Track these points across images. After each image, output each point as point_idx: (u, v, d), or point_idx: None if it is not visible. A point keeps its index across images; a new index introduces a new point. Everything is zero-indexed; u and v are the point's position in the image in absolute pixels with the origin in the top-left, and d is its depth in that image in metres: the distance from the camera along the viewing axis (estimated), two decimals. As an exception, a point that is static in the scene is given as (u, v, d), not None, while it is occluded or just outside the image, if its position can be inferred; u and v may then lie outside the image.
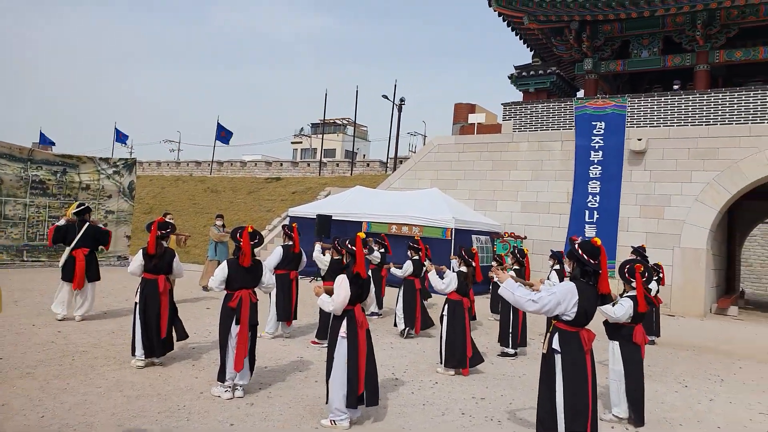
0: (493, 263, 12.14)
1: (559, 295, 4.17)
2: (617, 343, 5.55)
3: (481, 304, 12.49)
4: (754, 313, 16.48)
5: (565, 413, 4.10)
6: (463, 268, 7.13)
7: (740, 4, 14.92)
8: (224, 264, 5.70)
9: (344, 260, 5.36)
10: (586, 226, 15.74)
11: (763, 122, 14.45)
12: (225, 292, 5.70)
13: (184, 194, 28.20)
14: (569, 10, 16.29)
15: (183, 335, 6.74)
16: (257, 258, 5.92)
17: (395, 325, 9.31)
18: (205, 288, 12.83)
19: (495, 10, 17.57)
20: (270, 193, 26.12)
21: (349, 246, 5.19)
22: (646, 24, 16.80)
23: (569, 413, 4.09)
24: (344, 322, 4.94)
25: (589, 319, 4.23)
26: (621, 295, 5.73)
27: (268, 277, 6.00)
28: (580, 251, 4.28)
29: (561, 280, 8.56)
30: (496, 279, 8.28)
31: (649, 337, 9.55)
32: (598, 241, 4.30)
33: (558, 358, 4.22)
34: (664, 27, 16.67)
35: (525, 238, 16.58)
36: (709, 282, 15.20)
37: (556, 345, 4.23)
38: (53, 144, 32.38)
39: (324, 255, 8.97)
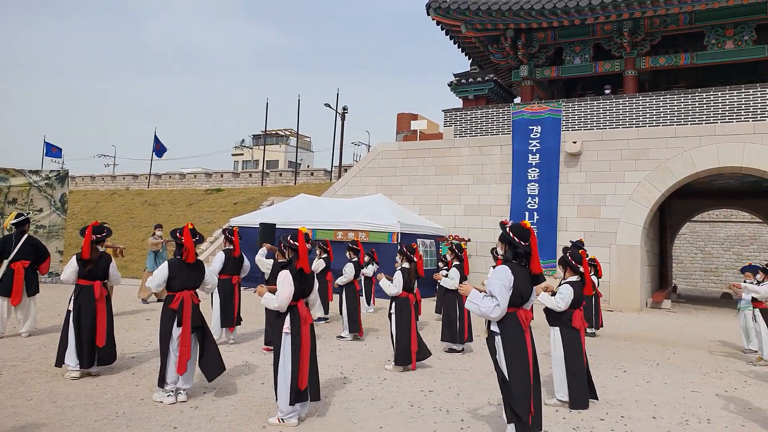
0: (440, 264, 12.28)
1: (503, 281, 4.23)
2: (557, 328, 5.70)
3: (428, 305, 12.60)
4: (686, 306, 17.30)
5: (513, 392, 4.16)
6: (406, 264, 7.19)
7: (662, 13, 15.77)
8: (164, 264, 5.54)
9: (287, 257, 5.26)
10: (527, 227, 16.11)
11: (687, 124, 15.26)
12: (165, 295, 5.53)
13: (120, 208, 27.24)
14: (504, 19, 16.77)
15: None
16: (198, 258, 5.77)
17: (344, 330, 9.22)
18: (144, 300, 12.45)
19: (433, 19, 17.91)
20: (210, 204, 25.56)
21: (291, 241, 5.11)
22: (578, 32, 17.51)
23: (515, 391, 4.15)
24: (287, 318, 4.86)
25: (525, 299, 4.32)
26: (560, 284, 5.89)
27: (211, 277, 5.88)
28: (511, 234, 4.38)
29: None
30: (446, 284, 8.39)
31: (590, 329, 9.92)
32: (528, 224, 4.44)
33: (498, 339, 4.29)
34: (594, 35, 17.41)
35: (468, 240, 16.84)
36: (644, 277, 15.86)
37: (494, 327, 4.31)
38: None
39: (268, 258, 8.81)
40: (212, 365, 5.53)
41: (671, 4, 15.06)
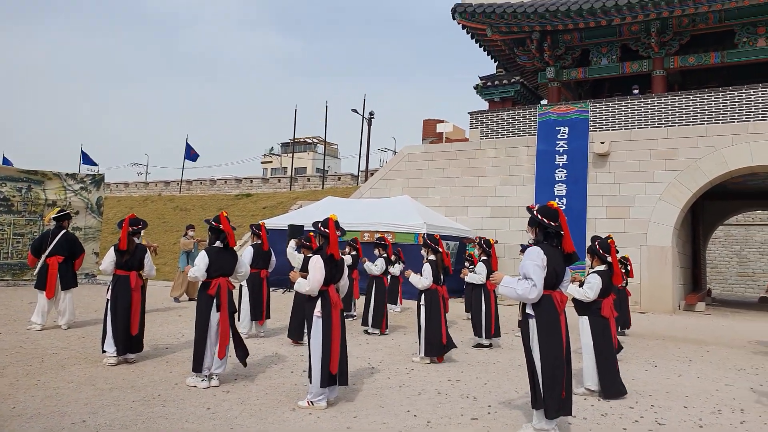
0: (466, 263, 12.26)
1: (536, 261, 4.19)
2: (586, 317, 5.68)
3: (455, 306, 12.59)
4: (722, 309, 16.89)
5: (543, 375, 4.13)
6: (432, 257, 7.22)
7: (690, 12, 15.57)
8: (203, 252, 5.69)
9: (317, 243, 5.37)
10: (555, 228, 15.99)
11: (718, 123, 15.00)
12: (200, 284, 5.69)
13: (152, 213, 27.78)
14: (530, 21, 16.77)
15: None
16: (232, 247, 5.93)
17: (366, 324, 9.30)
18: (176, 299, 12.71)
19: (459, 23, 17.99)
20: (240, 209, 25.93)
21: (322, 228, 5.20)
22: (604, 33, 17.40)
23: (546, 375, 4.12)
24: (318, 302, 4.98)
25: (560, 280, 4.29)
26: (588, 273, 5.87)
27: (244, 265, 6.08)
28: (539, 216, 4.38)
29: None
30: (472, 279, 8.41)
31: (619, 329, 9.78)
32: (555, 204, 4.42)
33: (533, 322, 4.26)
34: (621, 35, 17.27)
35: (496, 242, 16.74)
36: (676, 279, 15.57)
37: (529, 310, 4.28)
38: (11, 165, 31.57)
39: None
40: (242, 349, 5.71)
41: (700, 3, 14.88)
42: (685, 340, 9.92)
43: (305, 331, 5.65)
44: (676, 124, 15.53)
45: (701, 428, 4.67)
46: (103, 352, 6.25)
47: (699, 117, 15.34)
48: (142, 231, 9.03)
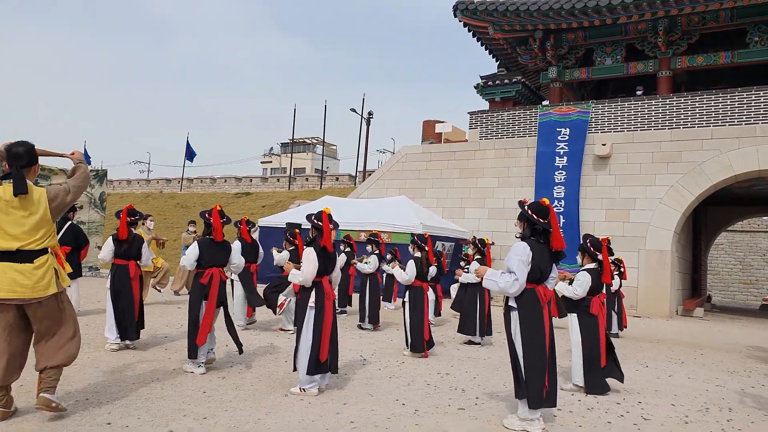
0: (462, 263, 12.19)
1: (520, 256, 4.23)
2: (575, 315, 5.64)
3: (447, 305, 12.51)
4: (721, 315, 16.76)
5: (525, 366, 4.12)
6: (418, 254, 7.25)
7: (700, 10, 15.31)
8: (194, 243, 5.80)
9: (311, 234, 5.31)
10: (554, 229, 15.88)
11: (725, 125, 14.81)
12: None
13: (153, 210, 27.82)
14: (533, 19, 16.67)
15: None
16: (225, 240, 5.98)
17: (363, 320, 9.25)
18: (177, 292, 12.83)
19: (460, 20, 17.89)
20: (239, 207, 25.96)
21: (315, 221, 5.17)
22: (609, 32, 17.23)
23: (528, 367, 4.13)
24: (312, 293, 5.03)
25: (544, 275, 4.30)
26: (578, 271, 5.79)
27: (238, 257, 6.15)
28: (529, 212, 4.36)
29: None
30: (466, 279, 8.39)
31: (613, 331, 9.70)
32: (547, 201, 4.42)
33: (515, 315, 4.27)
34: (627, 34, 17.10)
35: (493, 243, 16.66)
36: (674, 284, 15.43)
37: (512, 302, 4.28)
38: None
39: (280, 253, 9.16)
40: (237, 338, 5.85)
41: (711, 1, 14.63)
42: (679, 343, 9.83)
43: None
44: (681, 126, 15.35)
45: (687, 425, 4.62)
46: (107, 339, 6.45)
47: (704, 119, 15.13)
48: (152, 224, 9.14)
